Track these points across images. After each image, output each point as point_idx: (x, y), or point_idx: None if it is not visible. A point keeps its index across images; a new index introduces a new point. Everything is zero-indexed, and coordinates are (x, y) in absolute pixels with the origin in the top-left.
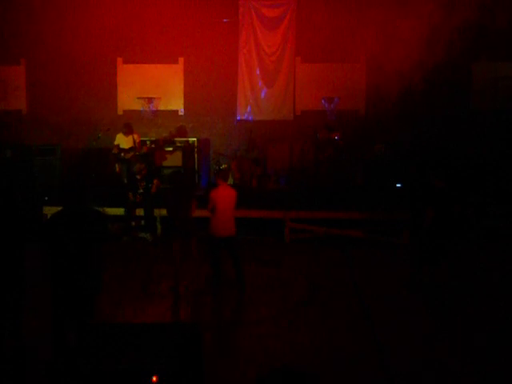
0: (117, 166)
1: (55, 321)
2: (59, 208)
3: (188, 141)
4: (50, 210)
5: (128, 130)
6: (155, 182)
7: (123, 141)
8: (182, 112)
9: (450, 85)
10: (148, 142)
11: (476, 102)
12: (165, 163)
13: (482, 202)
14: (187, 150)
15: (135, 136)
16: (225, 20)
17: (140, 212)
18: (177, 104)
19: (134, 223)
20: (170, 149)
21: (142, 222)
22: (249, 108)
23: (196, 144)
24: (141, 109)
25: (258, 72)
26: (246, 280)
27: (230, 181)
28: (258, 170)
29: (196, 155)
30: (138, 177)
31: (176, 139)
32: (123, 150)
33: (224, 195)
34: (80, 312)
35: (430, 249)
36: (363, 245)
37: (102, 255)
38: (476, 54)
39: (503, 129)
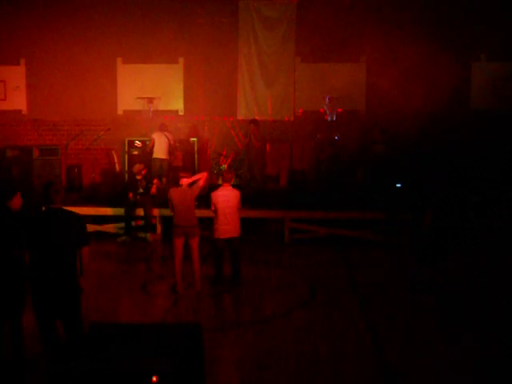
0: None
1: (41, 320)
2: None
3: (188, 141)
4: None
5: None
6: (155, 181)
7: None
8: (181, 112)
9: (450, 85)
10: (148, 143)
11: (476, 102)
12: (179, 164)
13: (482, 202)
14: (187, 150)
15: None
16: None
17: (140, 212)
18: (177, 104)
19: (133, 223)
20: None
21: (142, 222)
22: (249, 108)
23: (196, 144)
24: (141, 109)
25: (258, 72)
26: (246, 280)
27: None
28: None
29: (196, 155)
30: (138, 177)
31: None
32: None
33: (224, 196)
34: (65, 311)
35: (429, 249)
36: (363, 245)
37: (79, 256)
38: (476, 54)
39: (503, 129)
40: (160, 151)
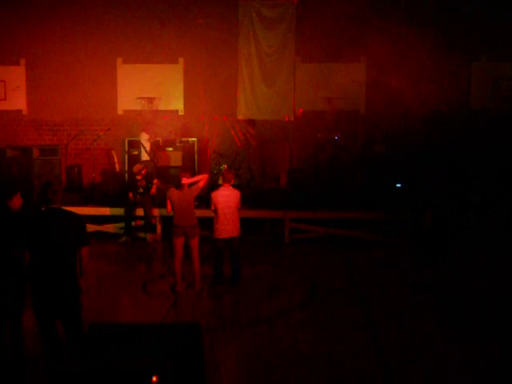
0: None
1: (41, 320)
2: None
3: (188, 141)
4: None
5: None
6: (155, 181)
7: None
8: (182, 112)
9: (450, 85)
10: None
11: (476, 102)
12: (165, 163)
13: (482, 202)
14: (187, 150)
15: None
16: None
17: (140, 212)
18: (177, 104)
19: (133, 223)
20: (171, 149)
21: (142, 222)
22: (249, 108)
23: (196, 144)
24: (141, 109)
25: (258, 72)
26: (246, 280)
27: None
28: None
29: (196, 155)
30: (138, 177)
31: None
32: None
33: (224, 196)
34: (65, 311)
35: (429, 249)
36: (363, 245)
37: (79, 256)
38: (476, 54)
39: (503, 129)
40: (144, 155)
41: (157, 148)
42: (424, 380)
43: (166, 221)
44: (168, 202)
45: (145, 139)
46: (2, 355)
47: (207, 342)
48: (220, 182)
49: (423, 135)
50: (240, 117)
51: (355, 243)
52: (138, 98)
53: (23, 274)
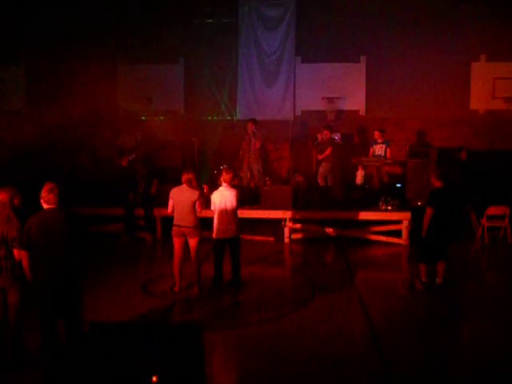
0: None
1: (42, 320)
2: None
3: (188, 141)
4: None
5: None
6: (155, 181)
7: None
8: (182, 112)
9: (450, 85)
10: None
11: (476, 102)
12: (165, 163)
13: (482, 202)
14: (187, 150)
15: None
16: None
17: (140, 212)
18: (178, 104)
19: (134, 223)
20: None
21: (142, 222)
22: (249, 108)
23: (196, 144)
24: (141, 109)
25: (258, 72)
26: (246, 281)
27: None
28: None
29: (196, 155)
30: (138, 177)
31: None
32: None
33: (223, 196)
34: (65, 311)
35: (429, 249)
36: (363, 245)
37: (84, 253)
38: (476, 54)
39: (503, 129)
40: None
41: (154, 149)
42: (424, 380)
43: (166, 221)
44: (170, 202)
45: (123, 141)
46: (3, 355)
47: (207, 342)
48: (219, 182)
49: (423, 135)
50: (240, 117)
51: (355, 243)
52: (138, 98)
53: (23, 273)
